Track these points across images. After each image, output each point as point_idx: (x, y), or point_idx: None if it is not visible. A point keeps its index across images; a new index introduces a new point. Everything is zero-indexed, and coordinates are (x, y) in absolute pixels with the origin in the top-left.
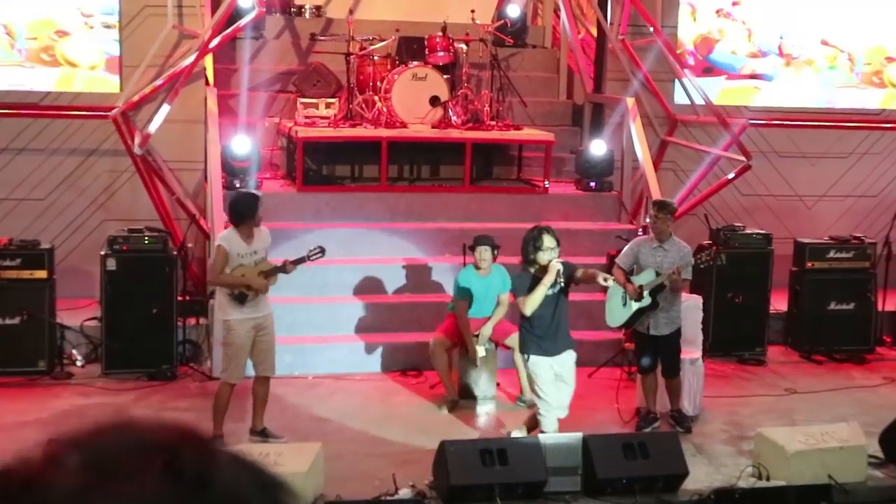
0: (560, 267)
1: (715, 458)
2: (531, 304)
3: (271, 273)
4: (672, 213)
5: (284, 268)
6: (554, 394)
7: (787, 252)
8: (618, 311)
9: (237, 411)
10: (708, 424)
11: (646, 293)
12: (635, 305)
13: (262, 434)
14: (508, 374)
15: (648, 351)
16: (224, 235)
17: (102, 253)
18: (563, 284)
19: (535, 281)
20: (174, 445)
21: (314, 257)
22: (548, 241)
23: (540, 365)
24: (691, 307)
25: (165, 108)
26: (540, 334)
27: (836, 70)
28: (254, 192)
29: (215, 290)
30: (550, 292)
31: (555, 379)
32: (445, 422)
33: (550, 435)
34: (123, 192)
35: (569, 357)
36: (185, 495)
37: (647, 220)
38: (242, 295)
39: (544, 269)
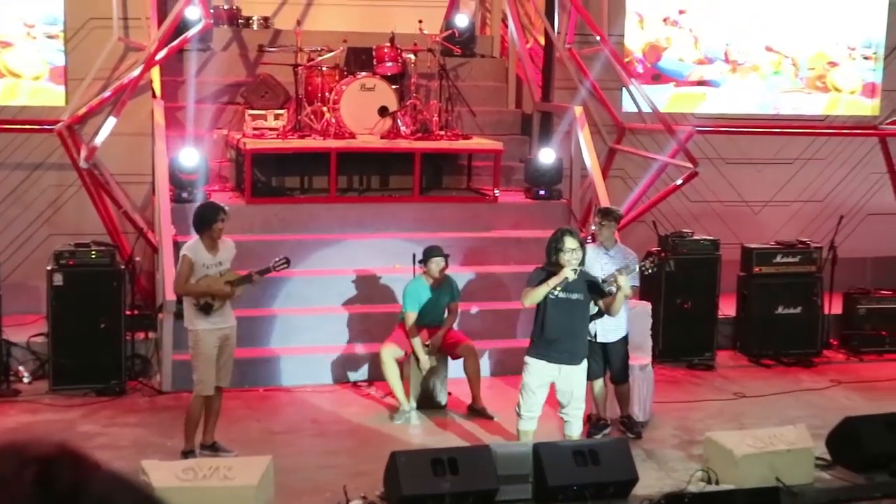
0: (571, 273)
1: (665, 463)
2: (530, 297)
3: (237, 283)
4: (616, 219)
5: (250, 278)
6: (532, 401)
7: (734, 257)
8: None
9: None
10: (658, 430)
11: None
12: None
13: (212, 448)
14: (460, 383)
15: (597, 358)
16: (189, 245)
17: (49, 268)
18: (585, 293)
19: (548, 276)
20: (49, 457)
21: (279, 268)
22: (569, 242)
23: (532, 367)
24: (640, 313)
25: (112, 121)
26: (548, 337)
27: (780, 75)
28: (219, 203)
29: (164, 304)
30: (564, 296)
31: (543, 387)
32: (397, 432)
33: (501, 443)
34: (70, 206)
35: (573, 371)
36: (60, 499)
37: (593, 227)
38: (208, 305)
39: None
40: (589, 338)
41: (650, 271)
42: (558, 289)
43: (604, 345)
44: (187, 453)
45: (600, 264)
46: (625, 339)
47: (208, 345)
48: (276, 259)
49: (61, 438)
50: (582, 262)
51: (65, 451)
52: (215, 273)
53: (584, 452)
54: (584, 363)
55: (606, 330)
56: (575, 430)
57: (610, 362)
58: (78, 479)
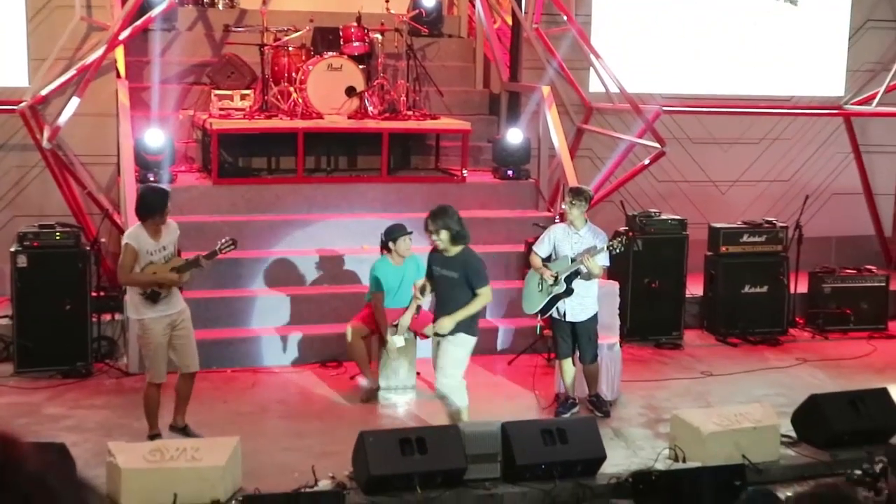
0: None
1: (632, 441)
2: None
3: (185, 268)
4: (587, 199)
5: (198, 262)
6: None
7: (701, 237)
8: (534, 297)
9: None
10: (625, 408)
11: (561, 279)
12: (552, 291)
13: (182, 431)
14: (429, 363)
15: (566, 337)
16: (131, 233)
17: (12, 249)
18: (461, 273)
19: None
20: None
21: (226, 249)
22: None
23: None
24: (608, 293)
25: (75, 102)
26: (434, 312)
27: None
28: (162, 186)
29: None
30: (441, 272)
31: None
32: (365, 412)
33: (469, 422)
34: (33, 188)
35: (443, 341)
36: None
37: (563, 206)
38: (155, 293)
39: None
40: (557, 317)
41: (619, 251)
42: (438, 265)
43: (573, 324)
44: (153, 437)
45: (570, 244)
46: (594, 319)
47: (157, 333)
48: (223, 241)
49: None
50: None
51: None
52: (160, 259)
53: (552, 431)
54: (457, 336)
55: (575, 309)
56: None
57: (579, 341)
58: (8, 458)
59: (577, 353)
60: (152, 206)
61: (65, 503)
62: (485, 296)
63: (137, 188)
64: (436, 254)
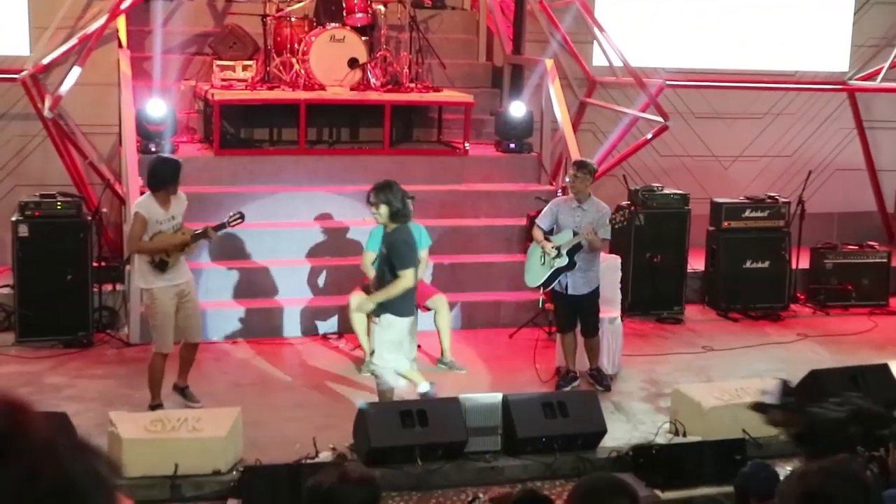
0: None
1: (633, 415)
2: None
3: (194, 239)
4: (591, 173)
5: (206, 233)
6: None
7: (703, 212)
8: (536, 270)
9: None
10: (626, 382)
11: (563, 252)
12: (554, 264)
13: (182, 392)
14: (429, 336)
15: (567, 311)
16: (141, 202)
17: (14, 219)
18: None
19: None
20: None
21: (234, 222)
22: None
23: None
24: (610, 267)
25: (77, 71)
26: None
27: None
28: (175, 158)
29: (132, 256)
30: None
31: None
32: (365, 384)
33: (471, 395)
34: (35, 157)
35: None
36: None
37: (567, 180)
38: (163, 262)
39: None
40: (559, 290)
41: (620, 225)
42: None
43: (575, 297)
44: (155, 407)
45: (573, 217)
46: (596, 292)
47: (165, 302)
48: (231, 214)
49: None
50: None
51: (5, 401)
52: (168, 229)
53: (552, 404)
54: (384, 318)
55: (577, 283)
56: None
57: (581, 315)
58: (17, 427)
59: (579, 327)
60: (163, 177)
61: (74, 471)
62: (405, 279)
63: (150, 158)
64: (383, 228)
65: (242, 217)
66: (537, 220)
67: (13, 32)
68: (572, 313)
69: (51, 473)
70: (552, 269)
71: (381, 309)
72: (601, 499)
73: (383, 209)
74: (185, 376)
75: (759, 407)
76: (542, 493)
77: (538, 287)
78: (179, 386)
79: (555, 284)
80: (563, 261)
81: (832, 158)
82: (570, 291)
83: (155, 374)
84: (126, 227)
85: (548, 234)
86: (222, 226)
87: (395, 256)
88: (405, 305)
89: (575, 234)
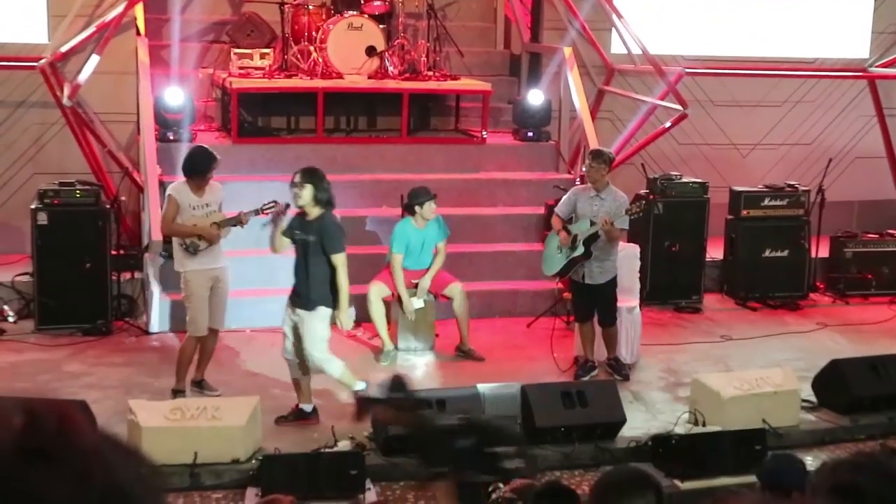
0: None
1: (652, 405)
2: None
3: (224, 224)
4: (607, 162)
5: (239, 219)
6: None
7: (722, 200)
8: (553, 259)
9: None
10: (645, 372)
11: (580, 242)
12: (570, 254)
13: (199, 385)
14: (448, 325)
15: (584, 300)
16: (174, 186)
17: (33, 207)
18: (318, 236)
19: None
20: (36, 410)
21: (269, 209)
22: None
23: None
24: (628, 256)
25: (95, 59)
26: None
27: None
28: (214, 154)
29: (151, 243)
30: (299, 236)
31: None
32: (384, 373)
33: (489, 385)
34: (53, 145)
35: (305, 316)
36: (46, 448)
37: (584, 169)
38: (193, 245)
39: None
40: (577, 280)
41: (635, 216)
42: (298, 228)
43: (592, 286)
44: (177, 392)
45: (590, 206)
46: (613, 282)
47: (199, 286)
48: (267, 201)
49: (52, 397)
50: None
51: (52, 404)
52: (202, 214)
53: (571, 394)
54: (318, 310)
55: (594, 272)
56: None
57: (598, 304)
58: (65, 431)
59: (597, 316)
60: (195, 166)
61: (123, 477)
62: (341, 264)
63: (159, 147)
64: (298, 217)
65: (276, 204)
66: (556, 209)
67: (32, 20)
68: (589, 303)
69: (100, 479)
70: (568, 259)
71: (315, 301)
72: (625, 491)
73: (307, 191)
74: (202, 370)
75: (362, 402)
76: (564, 484)
77: (554, 276)
78: (195, 380)
79: (572, 273)
80: (580, 250)
81: (852, 146)
82: (586, 281)
83: (185, 357)
84: (144, 215)
85: (566, 222)
86: (256, 212)
87: (328, 240)
88: (333, 296)
89: (592, 223)
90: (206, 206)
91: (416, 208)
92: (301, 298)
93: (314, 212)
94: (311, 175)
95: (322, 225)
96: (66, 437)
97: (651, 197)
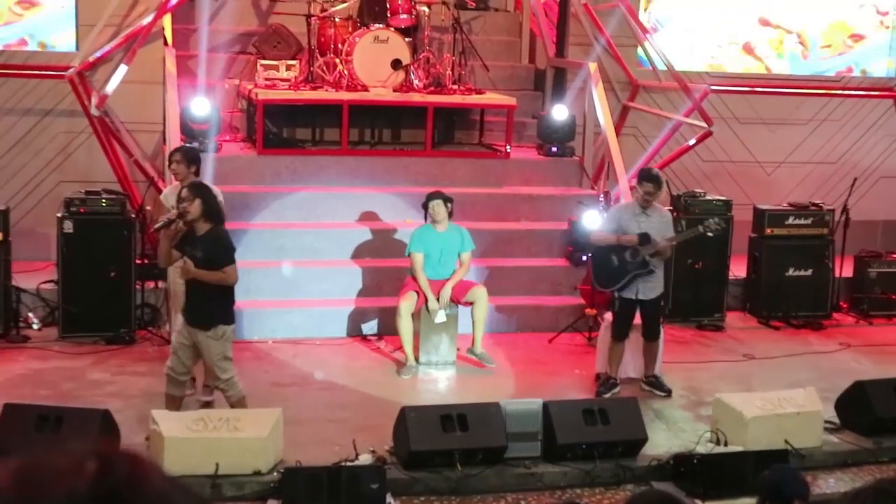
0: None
1: (674, 423)
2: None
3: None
4: (654, 182)
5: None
6: (174, 361)
7: (746, 218)
8: (612, 273)
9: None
10: None
11: (645, 257)
12: (632, 269)
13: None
14: (470, 339)
15: (630, 315)
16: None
17: (59, 215)
18: (205, 252)
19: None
20: (108, 455)
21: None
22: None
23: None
24: None
25: (123, 69)
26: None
27: (782, 59)
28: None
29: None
30: (189, 252)
31: (183, 347)
32: (406, 387)
33: (511, 401)
34: (80, 154)
35: (201, 336)
36: (119, 492)
37: (641, 193)
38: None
39: None
40: (629, 296)
41: (714, 233)
42: (188, 245)
43: (643, 301)
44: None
45: (637, 223)
46: (661, 297)
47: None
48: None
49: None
50: None
51: (124, 451)
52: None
53: (593, 411)
54: (217, 329)
55: (647, 288)
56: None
57: (645, 318)
58: (136, 476)
59: (641, 331)
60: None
61: None
62: (229, 275)
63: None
64: (189, 232)
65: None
66: (599, 228)
67: (61, 30)
68: (632, 320)
69: None
70: (633, 274)
71: (214, 319)
72: None
73: (196, 204)
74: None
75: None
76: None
77: (612, 290)
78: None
79: (625, 290)
80: (644, 266)
81: (877, 165)
82: (639, 296)
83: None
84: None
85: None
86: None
87: (217, 254)
88: (232, 310)
89: (650, 240)
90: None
91: (425, 209)
92: (195, 316)
93: (203, 227)
94: (201, 189)
95: (213, 239)
96: (138, 482)
97: (675, 214)
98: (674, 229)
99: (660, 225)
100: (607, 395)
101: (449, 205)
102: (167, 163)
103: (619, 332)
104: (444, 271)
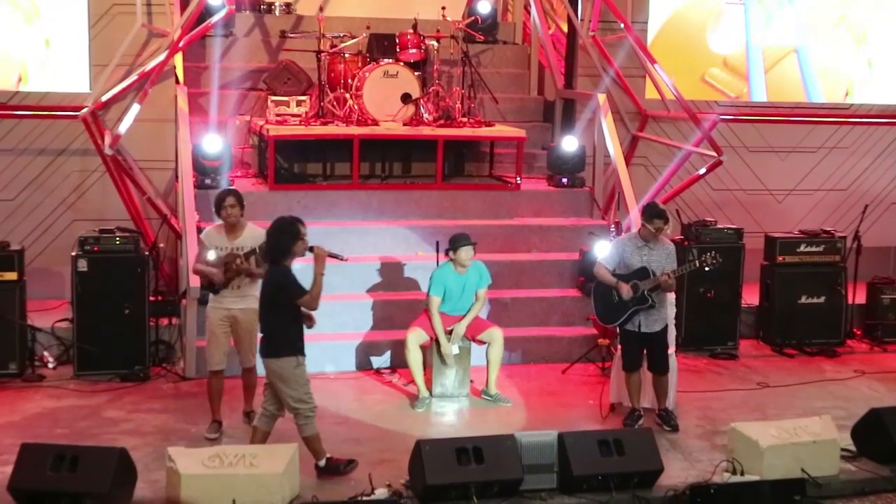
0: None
1: (689, 453)
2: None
3: (216, 264)
4: (658, 218)
5: (235, 258)
6: None
7: (757, 246)
8: (612, 309)
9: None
10: (681, 420)
11: (644, 291)
12: (632, 304)
13: (247, 416)
14: (484, 371)
15: (636, 349)
16: (207, 228)
17: (73, 254)
18: None
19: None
20: None
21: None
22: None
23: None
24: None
25: (136, 108)
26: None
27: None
28: (226, 190)
29: (187, 290)
30: None
31: None
32: (420, 420)
33: (526, 433)
34: (93, 192)
35: None
36: None
37: (649, 228)
38: (211, 284)
39: None
40: (633, 329)
41: (711, 267)
42: None
43: (648, 335)
44: (213, 423)
45: (640, 256)
46: (666, 329)
47: (213, 322)
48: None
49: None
50: None
51: None
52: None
53: (609, 442)
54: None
55: (650, 321)
56: None
57: (651, 352)
58: None
59: (646, 365)
60: (214, 207)
61: None
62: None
63: (196, 194)
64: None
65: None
66: (602, 260)
67: (74, 70)
68: (641, 351)
69: None
70: (633, 309)
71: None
72: None
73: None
74: (248, 402)
75: None
76: None
77: (614, 326)
78: (245, 411)
79: (627, 323)
80: (646, 301)
81: (888, 192)
82: (642, 329)
83: (210, 389)
84: (182, 262)
85: (611, 272)
86: (252, 252)
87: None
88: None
89: (653, 274)
90: (240, 249)
91: (452, 253)
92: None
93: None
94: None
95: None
96: None
97: (685, 243)
98: (677, 261)
99: (662, 256)
100: (634, 427)
101: (474, 248)
102: (214, 209)
103: (629, 364)
104: (461, 307)
